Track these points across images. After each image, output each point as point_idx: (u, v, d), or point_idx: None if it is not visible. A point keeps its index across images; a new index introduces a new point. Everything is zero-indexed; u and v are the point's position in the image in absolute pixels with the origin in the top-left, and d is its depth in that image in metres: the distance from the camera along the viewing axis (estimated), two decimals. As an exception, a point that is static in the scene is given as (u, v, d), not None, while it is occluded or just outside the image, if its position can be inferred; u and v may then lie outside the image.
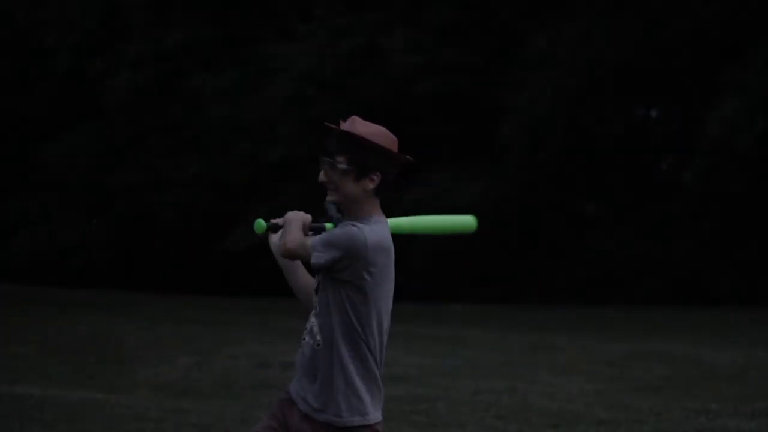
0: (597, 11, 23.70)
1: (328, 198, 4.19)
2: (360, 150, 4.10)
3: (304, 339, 4.17)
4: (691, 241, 23.98)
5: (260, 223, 4.24)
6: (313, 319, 4.15)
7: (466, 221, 4.44)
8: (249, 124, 25.95)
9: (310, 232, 4.17)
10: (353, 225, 4.07)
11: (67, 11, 26.29)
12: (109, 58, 27.48)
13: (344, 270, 4.03)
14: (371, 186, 4.12)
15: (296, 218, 4.15)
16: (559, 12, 24.19)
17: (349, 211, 4.17)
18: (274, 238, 4.26)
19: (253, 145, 25.88)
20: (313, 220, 4.19)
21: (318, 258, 4.03)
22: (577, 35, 23.46)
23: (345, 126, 4.14)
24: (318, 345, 4.11)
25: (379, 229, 4.09)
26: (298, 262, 4.24)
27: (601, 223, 25.34)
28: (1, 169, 29.94)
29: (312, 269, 4.12)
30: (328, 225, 4.20)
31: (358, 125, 4.13)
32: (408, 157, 4.17)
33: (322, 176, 4.19)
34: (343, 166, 4.12)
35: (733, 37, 23.53)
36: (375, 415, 4.09)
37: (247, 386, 10.64)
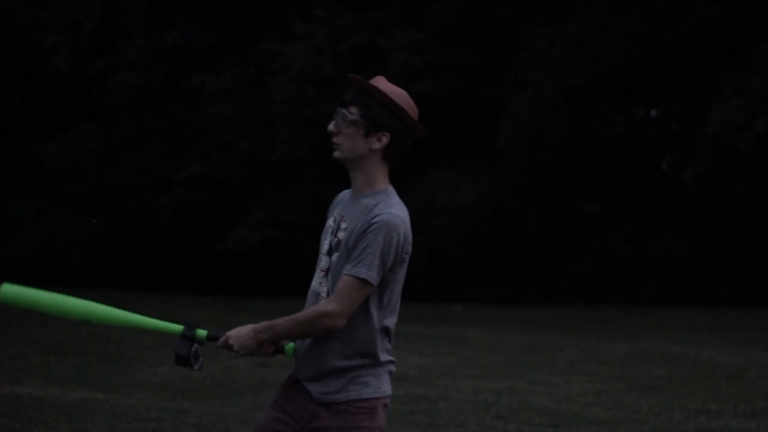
0: (597, 11, 23.70)
1: (334, 154, 4.05)
2: (375, 104, 3.97)
3: None
4: (691, 241, 23.98)
5: (289, 349, 4.05)
6: (323, 294, 3.99)
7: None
8: (249, 124, 25.95)
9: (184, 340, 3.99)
10: (389, 215, 3.92)
11: (67, 11, 26.27)
12: (109, 58, 27.49)
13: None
14: (377, 146, 3.97)
15: (244, 337, 3.95)
16: (559, 12, 24.19)
17: (355, 171, 4.03)
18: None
19: (253, 145, 25.88)
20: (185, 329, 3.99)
21: (375, 279, 3.90)
22: (577, 35, 23.47)
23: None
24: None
25: (404, 211, 3.98)
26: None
27: (601, 223, 25.34)
28: (1, 169, 29.94)
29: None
30: (200, 332, 4.00)
31: (381, 81, 4.02)
32: (424, 129, 4.05)
33: (331, 126, 4.02)
34: (354, 117, 3.98)
35: (733, 37, 23.53)
36: (385, 388, 3.99)
37: (247, 386, 10.64)
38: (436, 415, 9.09)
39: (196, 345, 4.03)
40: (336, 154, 4.05)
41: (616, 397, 10.24)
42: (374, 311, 3.94)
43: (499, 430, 8.70)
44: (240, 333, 3.92)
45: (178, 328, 4.07)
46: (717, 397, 10.15)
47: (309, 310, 3.94)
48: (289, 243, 25.63)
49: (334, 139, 4.02)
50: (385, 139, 3.97)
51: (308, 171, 26.13)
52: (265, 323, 3.95)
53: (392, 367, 4.04)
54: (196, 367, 4.03)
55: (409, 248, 3.96)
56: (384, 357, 3.99)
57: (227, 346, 3.96)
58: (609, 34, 23.33)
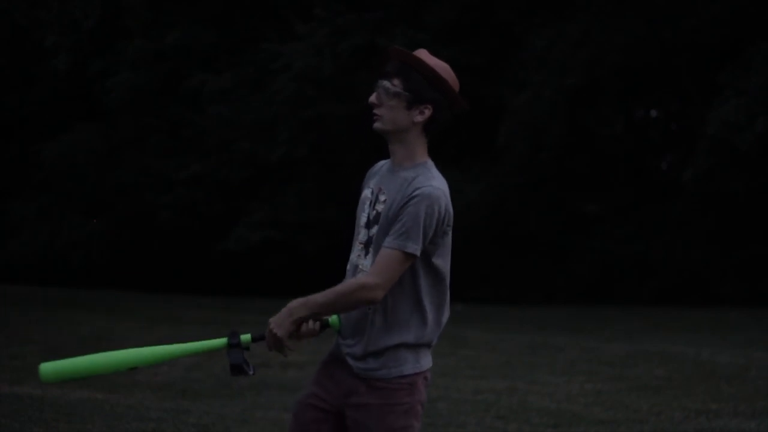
0: (597, 11, 23.69)
1: (374, 125, 3.99)
2: (418, 76, 3.95)
3: None
4: (691, 241, 23.98)
5: (334, 320, 3.99)
6: (363, 267, 3.94)
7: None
8: (249, 124, 25.94)
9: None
10: (430, 188, 3.90)
11: (67, 11, 26.26)
12: (109, 58, 27.49)
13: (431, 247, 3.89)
14: (420, 118, 3.94)
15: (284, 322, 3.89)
16: (559, 12, 24.19)
17: (395, 143, 3.99)
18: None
19: (253, 145, 25.87)
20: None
21: (417, 251, 3.84)
22: (577, 35, 23.46)
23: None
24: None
25: (444, 184, 3.96)
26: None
27: (601, 223, 25.34)
28: (1, 169, 29.94)
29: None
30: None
31: (423, 54, 4.02)
32: (465, 101, 4.03)
33: (373, 97, 3.99)
34: (397, 89, 3.94)
35: (733, 37, 23.52)
36: (423, 363, 3.97)
37: (247, 386, 10.64)
38: (436, 415, 9.08)
39: (245, 351, 3.98)
40: (376, 125, 3.99)
41: (616, 397, 10.23)
42: (416, 287, 3.90)
43: (499, 430, 8.70)
44: (277, 317, 3.88)
45: (222, 341, 4.01)
46: (717, 397, 10.14)
47: (348, 282, 3.90)
48: (289, 243, 25.62)
49: (376, 111, 3.97)
50: (428, 112, 3.95)
51: (308, 171, 26.12)
52: (300, 299, 3.89)
53: (434, 339, 4.00)
54: (251, 373, 3.98)
55: (450, 221, 3.93)
56: (426, 334, 3.97)
57: (271, 336, 3.88)
58: (609, 34, 23.33)
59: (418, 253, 3.82)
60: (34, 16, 26.88)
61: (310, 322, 3.91)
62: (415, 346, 3.94)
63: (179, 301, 21.79)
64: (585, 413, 9.36)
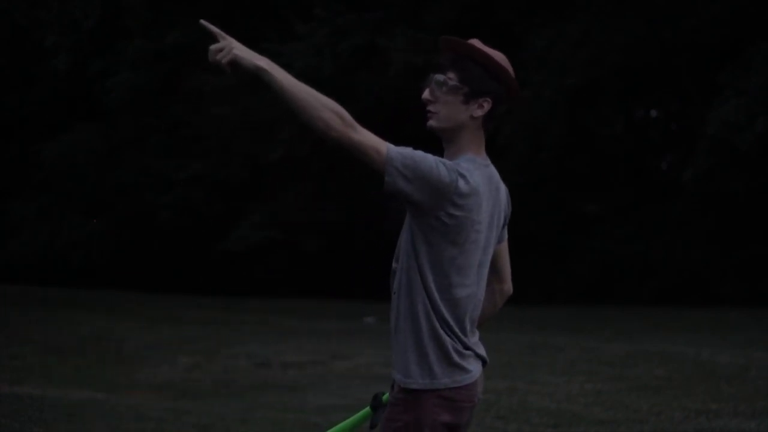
0: (597, 11, 23.69)
1: (428, 123, 3.67)
2: (475, 67, 3.62)
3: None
4: (691, 241, 23.98)
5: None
6: (394, 264, 3.68)
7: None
8: (249, 124, 25.95)
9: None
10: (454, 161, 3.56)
11: (67, 11, 26.27)
12: (109, 58, 27.50)
13: (420, 199, 3.48)
14: (480, 112, 3.61)
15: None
16: (559, 12, 24.20)
17: (450, 141, 3.65)
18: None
19: (253, 145, 25.88)
20: None
21: (391, 149, 3.45)
22: (577, 35, 23.47)
23: None
24: (394, 292, 3.65)
25: (474, 174, 3.56)
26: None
27: (601, 223, 25.35)
28: (1, 169, 29.95)
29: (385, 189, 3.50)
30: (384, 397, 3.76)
31: (477, 43, 3.68)
32: (519, 89, 3.71)
33: (426, 93, 3.64)
34: (453, 82, 3.61)
35: (733, 37, 23.52)
36: (444, 381, 3.56)
37: (247, 386, 10.64)
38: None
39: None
40: (431, 123, 3.66)
41: (616, 397, 10.23)
42: (432, 299, 3.58)
43: (499, 430, 8.69)
44: (245, 50, 3.57)
45: (367, 411, 3.81)
46: (717, 397, 10.14)
47: (328, 99, 3.60)
48: (289, 243, 25.63)
49: (430, 107, 3.65)
50: (487, 105, 3.63)
51: (308, 171, 26.13)
52: (269, 61, 3.53)
53: (456, 358, 3.61)
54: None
55: (477, 226, 3.58)
56: (444, 348, 3.60)
57: (228, 51, 3.58)
58: (609, 34, 23.33)
59: (386, 150, 3.43)
60: (34, 16, 26.90)
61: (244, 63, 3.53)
62: (434, 354, 3.62)
63: (179, 301, 21.79)
64: (585, 413, 9.36)
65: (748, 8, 23.05)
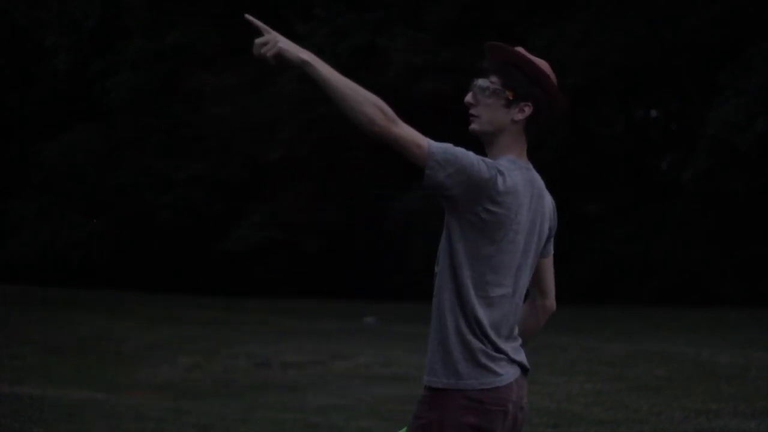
0: (597, 11, 23.70)
1: (471, 126, 3.71)
2: (516, 72, 3.71)
3: None
4: (691, 241, 23.98)
5: None
6: (436, 267, 3.67)
7: None
8: (249, 124, 25.96)
9: None
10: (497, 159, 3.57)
11: (67, 11, 26.29)
12: (109, 58, 27.51)
13: (458, 193, 3.49)
14: (520, 116, 3.65)
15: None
16: (559, 12, 24.20)
17: (492, 145, 3.69)
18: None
19: (253, 145, 25.88)
20: None
21: (431, 143, 3.49)
22: (577, 35, 23.47)
23: None
24: (435, 294, 3.63)
25: (513, 173, 3.58)
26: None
27: (601, 223, 25.35)
28: (1, 169, 29.96)
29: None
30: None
31: (521, 50, 3.76)
32: (566, 99, 3.76)
33: (469, 97, 3.72)
34: (495, 86, 3.70)
35: (733, 37, 23.53)
36: (471, 382, 3.51)
37: (247, 386, 10.64)
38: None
39: None
40: (473, 126, 3.72)
41: (616, 397, 10.23)
42: (463, 297, 3.57)
43: (499, 430, 8.68)
44: (290, 43, 3.63)
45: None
46: (717, 397, 10.14)
47: (375, 97, 3.55)
48: (289, 243, 25.63)
49: (472, 111, 3.71)
50: (528, 110, 3.66)
51: (308, 171, 26.13)
52: (314, 56, 3.60)
53: (484, 359, 3.55)
54: None
55: (516, 226, 3.64)
56: (469, 350, 3.55)
57: (273, 45, 3.65)
58: (609, 34, 23.34)
59: (426, 144, 3.48)
60: (34, 16, 26.93)
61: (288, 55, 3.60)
62: (460, 354, 3.57)
63: (179, 301, 21.79)
64: (585, 413, 9.36)
65: (748, 8, 23.05)
